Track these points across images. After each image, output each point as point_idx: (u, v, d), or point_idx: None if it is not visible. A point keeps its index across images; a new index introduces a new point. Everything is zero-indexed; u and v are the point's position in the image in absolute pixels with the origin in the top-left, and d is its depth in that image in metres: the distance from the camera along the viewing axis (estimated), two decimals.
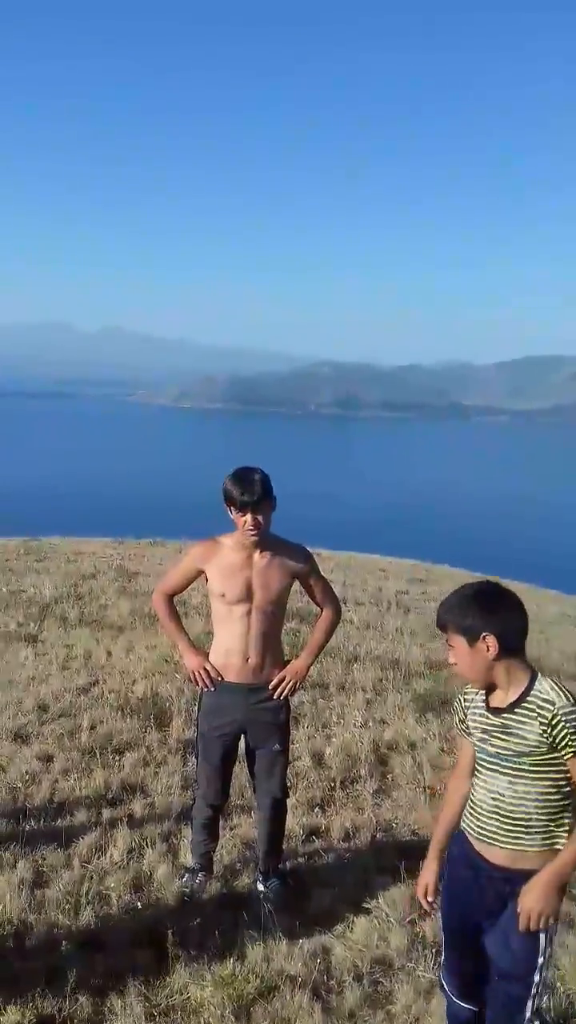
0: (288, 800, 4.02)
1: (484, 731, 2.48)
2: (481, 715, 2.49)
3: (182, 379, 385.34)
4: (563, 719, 2.30)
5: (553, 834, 2.40)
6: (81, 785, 4.87)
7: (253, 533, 3.48)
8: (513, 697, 2.39)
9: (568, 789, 2.38)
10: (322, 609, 3.82)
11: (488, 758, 2.47)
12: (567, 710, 2.30)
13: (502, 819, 2.44)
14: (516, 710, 2.39)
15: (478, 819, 2.51)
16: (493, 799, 2.46)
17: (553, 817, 2.39)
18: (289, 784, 4.39)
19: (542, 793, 2.38)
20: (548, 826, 2.39)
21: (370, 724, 6.13)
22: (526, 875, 2.41)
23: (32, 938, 3.40)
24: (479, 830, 2.50)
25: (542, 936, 2.41)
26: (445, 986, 2.71)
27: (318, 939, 3.50)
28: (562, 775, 2.36)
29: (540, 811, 2.39)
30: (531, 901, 2.37)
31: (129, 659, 7.40)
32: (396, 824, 4.70)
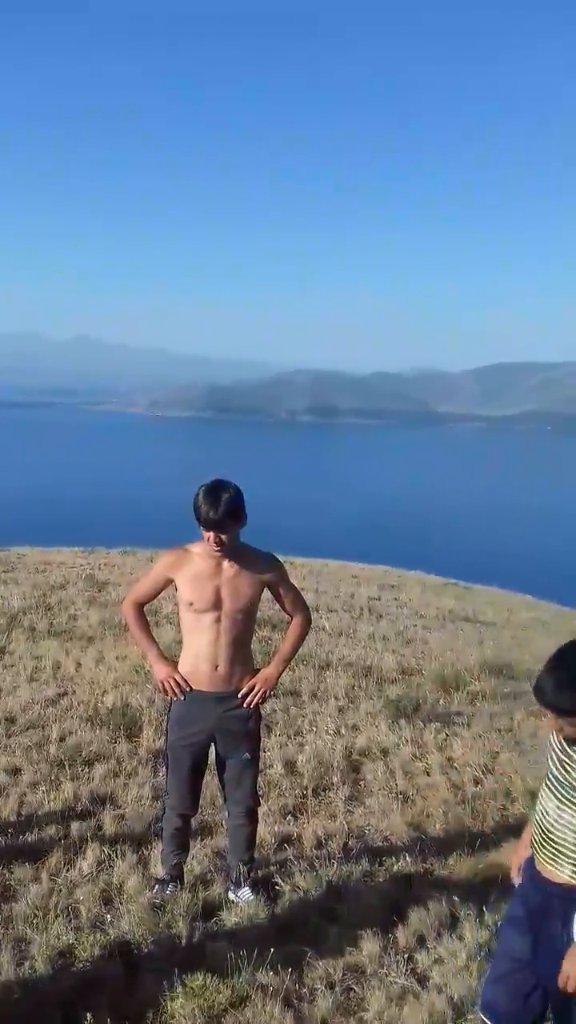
0: (259, 808, 4.01)
1: (553, 750, 2.46)
2: (554, 734, 2.45)
3: (155, 388, 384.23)
4: None
5: None
6: (50, 798, 4.81)
7: (216, 550, 3.49)
8: None
9: None
10: (292, 617, 3.82)
11: (549, 775, 2.47)
12: None
13: (544, 835, 2.46)
14: None
15: (533, 825, 2.54)
16: (542, 813, 2.47)
17: None
18: (261, 792, 4.38)
19: None
20: None
21: (343, 731, 6.13)
22: (561, 890, 2.41)
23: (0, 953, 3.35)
24: (532, 836, 2.53)
25: None
26: (482, 1000, 2.67)
27: (290, 947, 3.48)
28: None
29: None
30: (570, 965, 2.35)
31: (99, 670, 7.35)
32: (369, 831, 4.71)
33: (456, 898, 3.90)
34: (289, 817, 4.77)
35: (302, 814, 4.82)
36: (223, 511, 3.40)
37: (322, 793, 5.12)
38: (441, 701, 7.19)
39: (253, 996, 3.12)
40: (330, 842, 4.49)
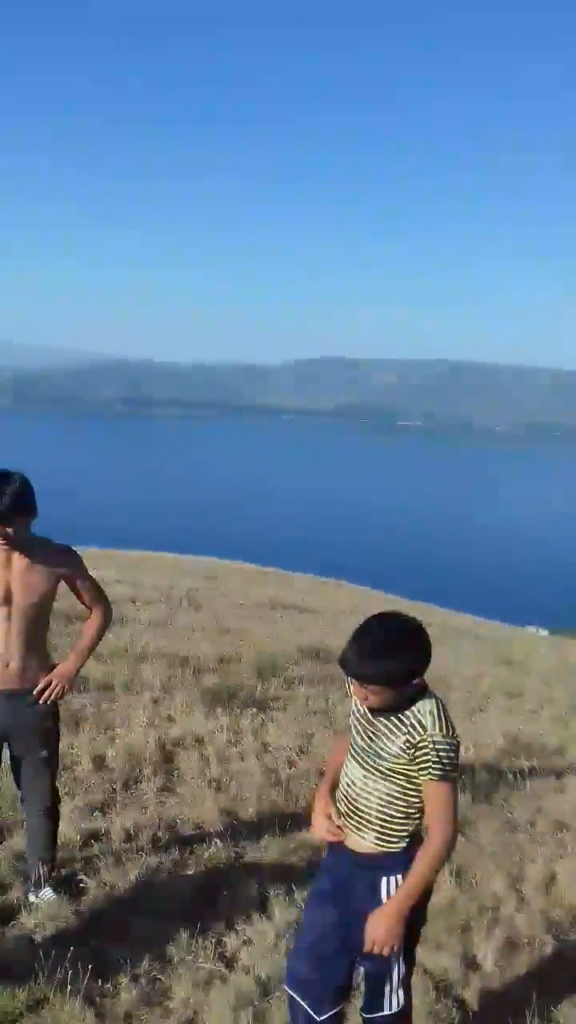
0: (60, 806, 3.87)
1: (357, 722, 2.51)
2: (358, 706, 2.50)
3: None
4: (431, 746, 2.32)
5: (390, 835, 2.45)
6: None
7: (2, 544, 3.34)
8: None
9: (419, 804, 2.41)
10: (91, 610, 3.71)
11: (354, 747, 2.51)
12: (436, 739, 2.32)
13: (348, 804, 2.51)
14: (391, 718, 2.39)
15: (338, 797, 2.58)
16: (347, 784, 2.52)
17: (394, 819, 2.44)
18: (64, 791, 4.23)
19: (387, 794, 2.42)
20: (387, 826, 2.44)
21: (156, 722, 6.04)
22: (365, 859, 2.48)
23: None
24: (338, 807, 2.57)
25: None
26: (287, 974, 2.68)
27: (94, 944, 3.39)
28: (413, 788, 2.40)
29: (383, 810, 2.44)
30: (373, 928, 2.41)
31: None
32: (181, 821, 4.65)
33: (267, 879, 3.93)
34: (96, 813, 4.63)
35: (111, 809, 4.69)
36: (8, 503, 3.24)
37: (133, 786, 5.02)
38: (259, 688, 7.25)
39: (51, 997, 3.00)
40: (140, 835, 4.39)
